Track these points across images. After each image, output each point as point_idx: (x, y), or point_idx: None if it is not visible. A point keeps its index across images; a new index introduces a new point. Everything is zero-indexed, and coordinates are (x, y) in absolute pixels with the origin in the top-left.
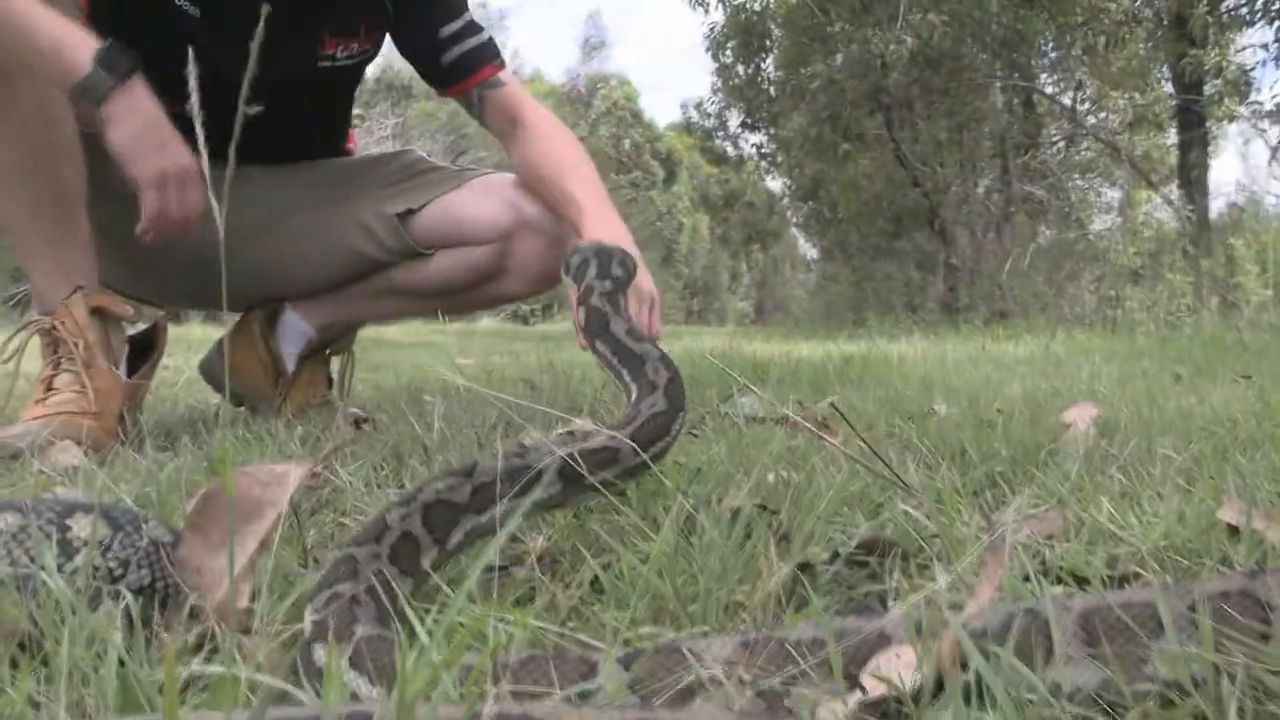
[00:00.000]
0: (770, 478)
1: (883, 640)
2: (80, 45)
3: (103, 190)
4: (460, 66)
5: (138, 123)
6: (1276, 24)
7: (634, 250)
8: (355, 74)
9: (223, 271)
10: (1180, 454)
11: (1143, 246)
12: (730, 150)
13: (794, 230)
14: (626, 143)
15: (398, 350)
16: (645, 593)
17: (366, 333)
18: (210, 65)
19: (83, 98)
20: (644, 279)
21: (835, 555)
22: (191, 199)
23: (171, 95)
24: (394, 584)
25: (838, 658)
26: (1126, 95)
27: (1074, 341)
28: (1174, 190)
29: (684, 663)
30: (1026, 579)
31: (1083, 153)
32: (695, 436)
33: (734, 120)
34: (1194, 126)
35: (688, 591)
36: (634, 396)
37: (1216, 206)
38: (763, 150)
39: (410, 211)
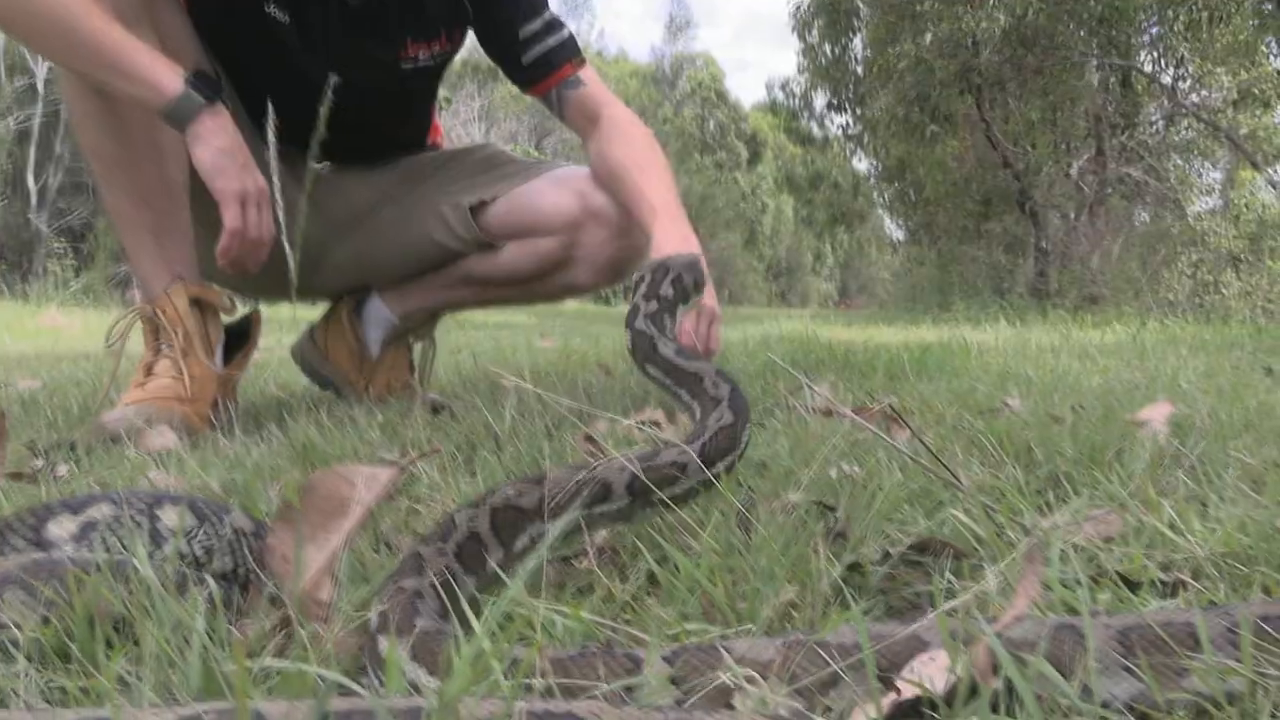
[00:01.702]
0: (832, 473)
1: (919, 644)
2: (171, 71)
3: (200, 194)
4: (541, 65)
5: (223, 142)
6: None
7: (701, 261)
8: (437, 73)
9: (292, 267)
10: (1254, 456)
11: (1244, 230)
12: (816, 131)
13: (880, 212)
14: (711, 123)
15: (481, 331)
16: (696, 589)
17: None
18: (299, 70)
19: (172, 119)
20: (709, 292)
21: (886, 556)
22: (267, 221)
23: (264, 100)
24: (457, 580)
25: (871, 660)
26: (1230, 72)
27: (1165, 330)
28: (1277, 171)
29: (723, 661)
30: (1078, 583)
31: (1183, 133)
32: (762, 427)
33: (820, 100)
34: None
35: (737, 590)
36: (699, 413)
37: None
38: (848, 131)
39: (483, 203)
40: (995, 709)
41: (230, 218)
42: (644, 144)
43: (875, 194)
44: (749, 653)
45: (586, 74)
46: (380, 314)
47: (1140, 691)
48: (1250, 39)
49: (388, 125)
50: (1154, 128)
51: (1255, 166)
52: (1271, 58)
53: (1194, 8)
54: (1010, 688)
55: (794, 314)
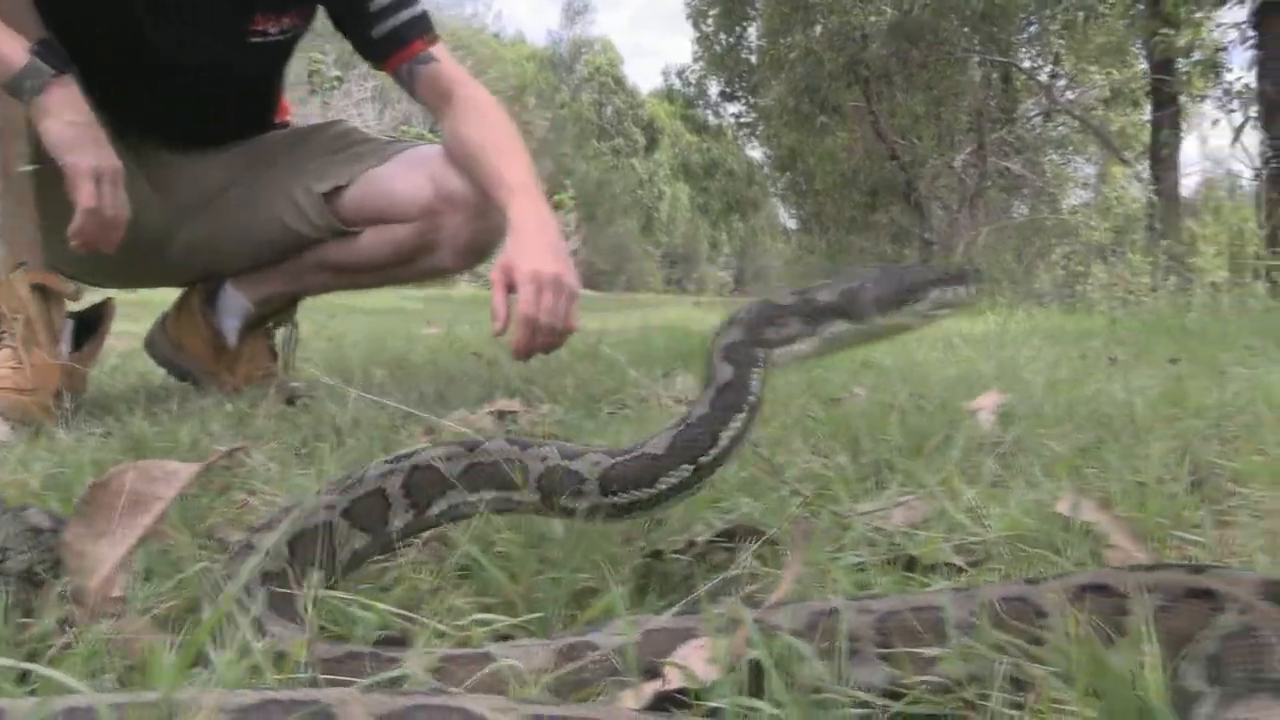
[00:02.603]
0: None
1: (689, 633)
2: (14, 41)
3: (46, 175)
4: (391, 40)
5: (74, 116)
6: (1249, 3)
7: (559, 240)
8: (286, 50)
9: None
10: (1065, 443)
11: (1114, 223)
12: (711, 119)
13: (774, 200)
14: (609, 109)
15: (369, 318)
16: (494, 580)
17: (335, 299)
18: (145, 44)
19: (17, 91)
20: (565, 270)
21: (691, 544)
22: (123, 199)
23: (115, 77)
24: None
25: (633, 653)
26: (1103, 71)
27: (1030, 320)
28: (1145, 168)
29: (489, 665)
30: (863, 568)
31: (1059, 129)
32: (612, 414)
33: (714, 89)
34: (1165, 105)
35: (535, 581)
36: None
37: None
38: (742, 120)
39: (338, 189)
40: (756, 693)
41: (84, 196)
42: (500, 124)
43: (769, 183)
44: (516, 655)
45: (439, 51)
46: (235, 301)
47: (894, 676)
48: (1121, 39)
49: (235, 105)
50: (1031, 123)
51: (1124, 162)
52: (1140, 59)
53: (1070, 7)
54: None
55: (687, 301)
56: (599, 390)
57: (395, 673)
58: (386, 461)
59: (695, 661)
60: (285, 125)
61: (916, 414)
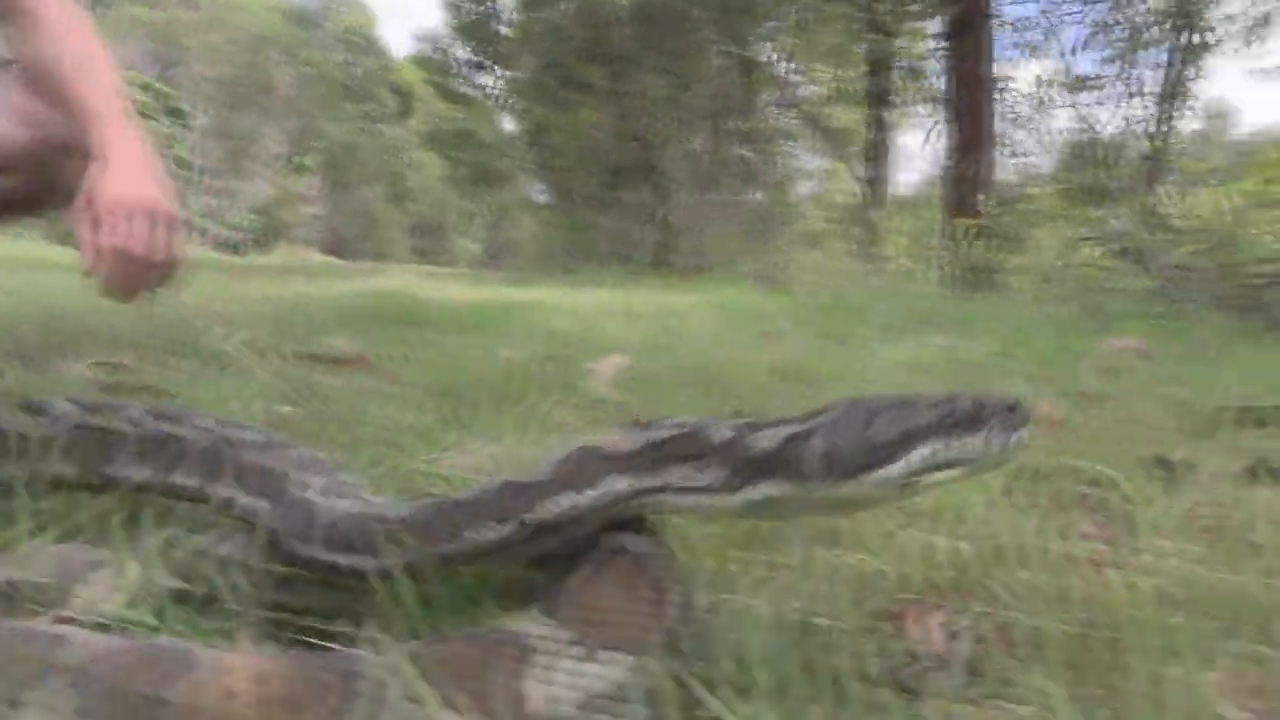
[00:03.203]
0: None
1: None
2: None
3: None
4: None
5: None
6: (948, 15)
7: (152, 165)
8: None
9: None
10: (669, 401)
11: (830, 215)
12: (464, 89)
13: (525, 174)
14: (359, 70)
15: None
16: None
17: None
18: None
19: None
20: (159, 197)
21: None
22: None
23: None
24: None
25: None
26: (829, 70)
27: (730, 297)
28: (860, 164)
29: None
30: None
31: (792, 122)
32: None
33: (464, 55)
34: (878, 106)
35: None
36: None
37: (910, 181)
38: (489, 92)
39: None
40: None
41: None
42: (84, 42)
43: (519, 157)
44: None
45: None
46: None
47: None
48: (845, 43)
49: None
50: (765, 115)
51: (841, 159)
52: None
53: (803, 8)
54: None
55: (426, 271)
56: None
57: None
58: None
59: (101, 589)
60: None
61: (539, 370)
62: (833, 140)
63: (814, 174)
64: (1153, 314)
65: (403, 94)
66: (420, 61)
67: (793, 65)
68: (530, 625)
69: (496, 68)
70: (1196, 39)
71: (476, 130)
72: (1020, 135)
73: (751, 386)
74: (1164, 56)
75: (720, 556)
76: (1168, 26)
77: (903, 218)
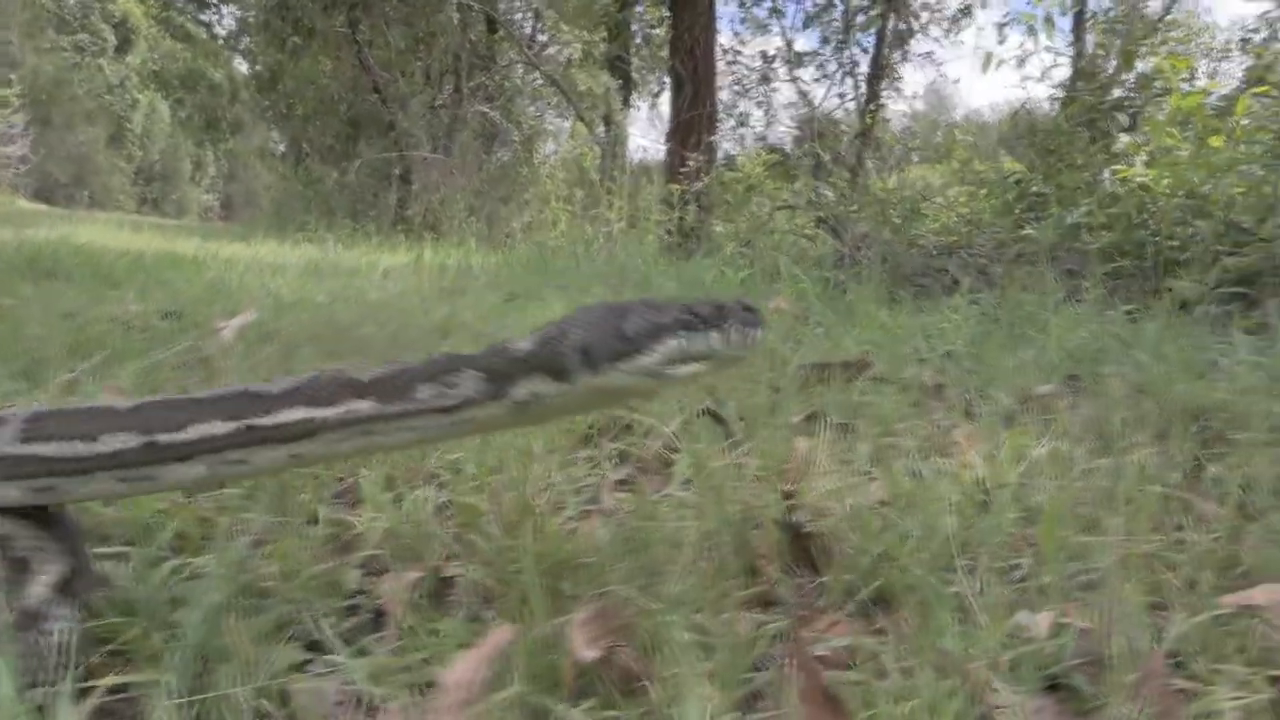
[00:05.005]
0: None
1: None
2: None
3: None
4: None
5: None
6: None
7: None
8: None
9: None
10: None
11: (570, 177)
12: (192, 26)
13: (262, 122)
14: None
15: None
16: None
17: None
18: None
19: None
20: None
21: None
22: None
23: None
24: None
25: None
26: (577, 33)
27: (448, 255)
28: (601, 129)
29: None
30: None
31: (536, 82)
32: None
33: None
34: (616, 72)
35: None
36: None
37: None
38: (213, 31)
39: None
40: None
41: None
42: None
43: (252, 103)
44: None
45: None
46: None
47: None
48: (588, 4)
49: None
50: (509, 74)
51: (583, 121)
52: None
53: None
54: None
55: (134, 221)
56: None
57: None
58: None
59: None
60: None
61: (156, 328)
62: (575, 103)
63: (557, 135)
64: (828, 279)
65: (122, 27)
66: None
67: (539, 25)
68: None
69: (222, 6)
70: (903, 26)
71: (206, 72)
72: (747, 106)
73: (386, 340)
74: (872, 40)
75: (192, 518)
76: (874, 12)
77: (634, 183)
